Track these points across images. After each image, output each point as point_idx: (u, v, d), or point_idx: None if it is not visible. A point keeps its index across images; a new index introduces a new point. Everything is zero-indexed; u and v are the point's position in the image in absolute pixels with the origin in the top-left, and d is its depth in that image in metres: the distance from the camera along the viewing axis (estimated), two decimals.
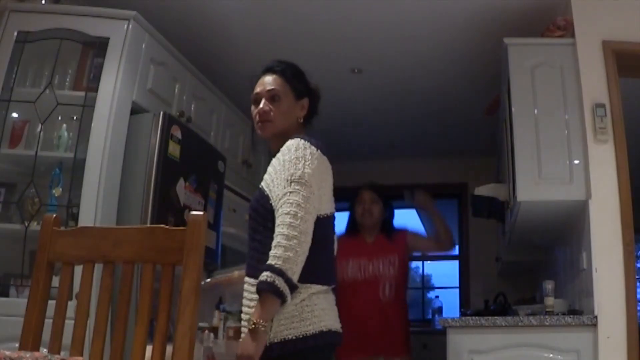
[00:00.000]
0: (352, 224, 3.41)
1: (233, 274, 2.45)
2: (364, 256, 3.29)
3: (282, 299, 1.65)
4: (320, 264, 1.79)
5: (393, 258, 3.27)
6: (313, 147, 1.83)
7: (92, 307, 1.52)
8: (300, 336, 1.74)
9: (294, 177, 1.75)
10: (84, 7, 3.04)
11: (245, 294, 1.85)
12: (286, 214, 1.69)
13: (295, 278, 1.66)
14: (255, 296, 1.77)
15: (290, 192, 1.72)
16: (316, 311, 1.78)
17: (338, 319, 1.90)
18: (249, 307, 1.81)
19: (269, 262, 1.66)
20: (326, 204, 1.86)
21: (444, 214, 3.56)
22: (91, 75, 2.87)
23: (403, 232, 3.40)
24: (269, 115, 1.95)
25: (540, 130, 3.02)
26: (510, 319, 2.86)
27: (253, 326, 1.65)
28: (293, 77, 2.01)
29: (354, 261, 3.27)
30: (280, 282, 1.62)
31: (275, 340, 1.72)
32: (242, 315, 1.85)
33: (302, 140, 1.84)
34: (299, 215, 1.69)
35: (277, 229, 1.69)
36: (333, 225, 1.95)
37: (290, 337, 1.72)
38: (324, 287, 1.83)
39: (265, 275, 1.64)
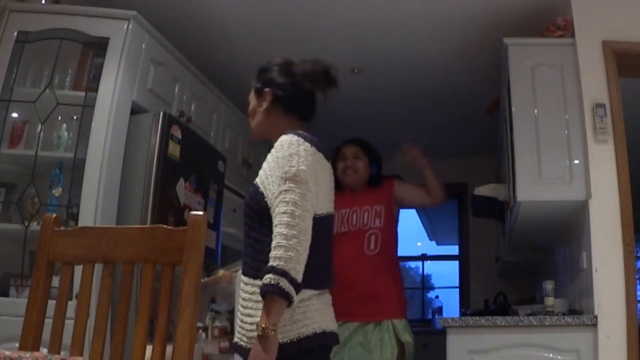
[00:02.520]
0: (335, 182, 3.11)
1: (218, 274, 2.45)
2: (346, 206, 2.98)
3: (289, 300, 1.60)
4: (315, 268, 1.74)
5: (379, 207, 2.97)
6: (307, 143, 1.79)
7: (92, 307, 1.52)
8: (295, 339, 1.70)
9: (288, 174, 1.71)
10: (84, 7, 3.04)
11: (240, 292, 1.83)
12: (283, 213, 1.65)
13: (299, 278, 1.62)
14: (249, 295, 1.76)
15: (286, 191, 1.69)
16: (309, 312, 1.74)
17: (334, 319, 1.87)
18: (243, 306, 1.79)
19: (270, 263, 1.61)
20: (323, 203, 1.82)
21: (444, 214, 3.51)
22: (91, 75, 2.87)
23: (391, 179, 3.11)
24: (250, 126, 2.03)
25: (540, 130, 3.01)
26: (510, 319, 2.86)
27: (262, 332, 1.59)
28: (254, 80, 2.01)
29: (335, 213, 2.98)
30: (284, 283, 1.58)
31: None
32: (238, 315, 1.83)
33: (296, 136, 1.81)
34: (297, 213, 1.65)
35: (276, 229, 1.66)
36: (331, 226, 1.92)
37: (284, 340, 1.69)
38: (318, 292, 1.80)
39: (268, 278, 1.59)
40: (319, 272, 1.81)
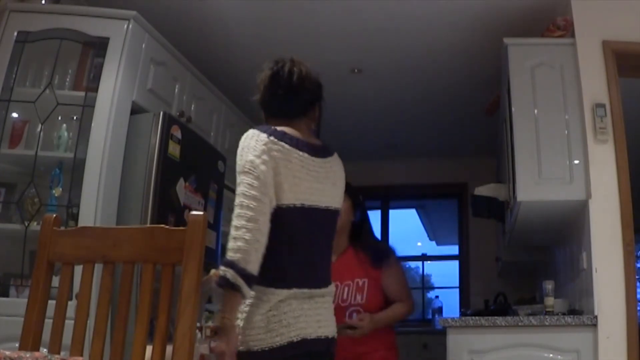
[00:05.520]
0: None
1: (210, 273, 2.45)
2: None
3: (238, 290, 1.60)
4: (287, 265, 1.72)
5: (362, 281, 2.59)
6: (263, 135, 1.78)
7: (92, 307, 1.52)
8: (267, 348, 1.69)
9: (239, 168, 1.73)
10: (84, 7, 3.04)
11: None
12: (235, 205, 1.67)
13: (250, 267, 1.61)
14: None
15: (238, 184, 1.71)
16: (285, 320, 1.72)
17: (326, 322, 1.82)
18: None
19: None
20: (290, 193, 1.76)
21: (443, 213, 3.45)
22: (91, 75, 2.87)
23: (385, 262, 2.65)
24: None
25: (540, 130, 3.01)
26: (510, 319, 2.86)
27: (221, 323, 1.63)
28: None
29: None
30: (231, 274, 1.59)
31: (242, 349, 1.68)
32: None
33: (252, 130, 1.82)
34: (244, 203, 1.65)
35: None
36: (306, 218, 1.81)
37: (256, 348, 1.68)
38: (294, 292, 1.75)
39: (220, 270, 1.63)
40: (292, 268, 1.77)
